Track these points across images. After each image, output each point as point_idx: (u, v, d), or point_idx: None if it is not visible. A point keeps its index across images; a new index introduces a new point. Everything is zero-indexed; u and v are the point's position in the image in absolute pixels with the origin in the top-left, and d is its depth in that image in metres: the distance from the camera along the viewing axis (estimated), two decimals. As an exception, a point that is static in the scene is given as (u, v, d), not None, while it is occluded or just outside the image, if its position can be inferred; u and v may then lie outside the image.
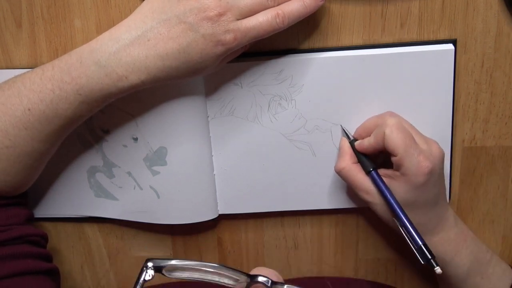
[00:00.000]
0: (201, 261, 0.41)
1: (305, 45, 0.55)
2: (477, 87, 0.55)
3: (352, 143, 0.54)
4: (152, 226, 0.61)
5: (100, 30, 0.55)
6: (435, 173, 0.50)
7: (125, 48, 0.46)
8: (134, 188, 0.59)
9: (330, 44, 0.55)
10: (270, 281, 0.37)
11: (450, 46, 0.53)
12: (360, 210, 0.60)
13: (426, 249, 0.49)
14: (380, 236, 0.61)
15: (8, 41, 0.57)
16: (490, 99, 0.55)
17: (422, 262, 0.49)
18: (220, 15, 0.45)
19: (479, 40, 0.53)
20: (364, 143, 0.53)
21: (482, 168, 0.58)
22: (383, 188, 0.51)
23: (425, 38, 0.54)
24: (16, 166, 0.50)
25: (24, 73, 0.49)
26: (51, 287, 0.52)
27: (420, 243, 0.49)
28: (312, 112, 0.55)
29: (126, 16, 0.48)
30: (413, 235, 0.50)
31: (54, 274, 0.54)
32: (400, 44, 0.54)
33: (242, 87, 0.55)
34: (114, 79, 0.47)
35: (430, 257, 0.49)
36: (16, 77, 0.49)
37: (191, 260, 0.39)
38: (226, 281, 0.38)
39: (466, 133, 0.57)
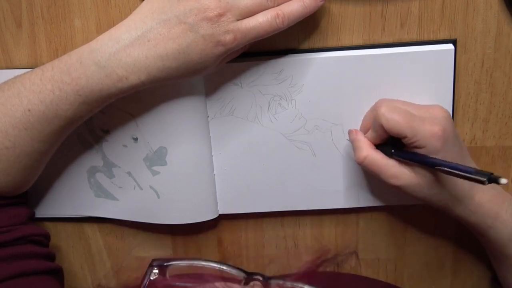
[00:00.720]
0: (206, 260, 0.41)
1: (305, 45, 0.55)
2: (477, 87, 0.55)
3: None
4: (152, 226, 0.61)
5: (100, 30, 0.55)
6: (449, 133, 0.49)
7: (125, 48, 0.46)
8: (134, 188, 0.59)
9: (330, 44, 0.55)
10: (266, 277, 0.37)
11: (450, 46, 0.53)
12: (360, 210, 0.60)
13: (482, 171, 0.44)
14: (380, 236, 0.61)
15: (8, 41, 0.57)
16: (490, 99, 0.55)
17: (486, 183, 0.44)
18: (220, 15, 0.45)
19: (479, 40, 0.53)
20: (369, 138, 0.52)
21: (482, 168, 0.58)
22: (413, 156, 0.49)
23: (425, 38, 0.54)
24: (16, 166, 0.50)
25: (24, 74, 0.49)
26: (55, 287, 0.52)
27: (472, 169, 0.45)
28: (312, 112, 0.55)
29: (126, 16, 0.48)
30: (463, 168, 0.46)
31: (58, 274, 0.54)
32: (400, 44, 0.54)
33: (242, 87, 0.55)
34: (114, 79, 0.47)
35: (490, 173, 0.44)
36: (15, 77, 0.49)
37: (193, 259, 0.39)
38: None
39: (466, 133, 0.57)
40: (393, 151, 0.51)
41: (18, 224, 0.52)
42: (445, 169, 0.47)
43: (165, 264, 0.41)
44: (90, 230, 0.63)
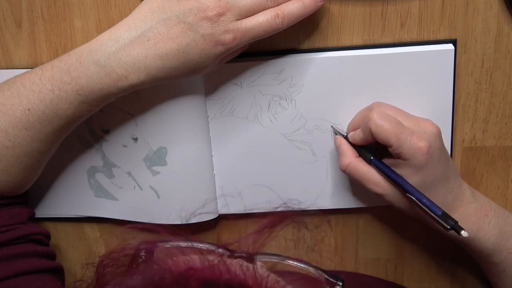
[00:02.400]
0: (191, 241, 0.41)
1: (305, 45, 0.55)
2: (477, 87, 0.55)
3: (346, 138, 0.54)
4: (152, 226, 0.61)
5: (100, 30, 0.55)
6: (435, 150, 0.49)
7: (125, 48, 0.46)
8: (134, 188, 0.59)
9: (330, 44, 0.55)
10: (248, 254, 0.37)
11: (450, 46, 0.53)
12: (360, 210, 0.60)
13: (448, 216, 0.47)
14: (380, 236, 0.61)
15: (8, 41, 0.57)
16: (490, 99, 0.55)
17: (448, 230, 0.47)
18: (220, 15, 0.45)
19: (479, 40, 0.53)
20: (356, 137, 0.52)
21: (482, 168, 0.58)
22: (388, 171, 0.50)
23: (425, 38, 0.54)
24: (17, 166, 0.50)
25: (24, 74, 0.49)
26: (56, 285, 0.52)
27: (440, 211, 0.47)
28: (312, 112, 0.55)
29: (126, 16, 0.48)
30: (431, 205, 0.47)
31: (59, 272, 0.54)
32: (400, 44, 0.54)
33: (242, 87, 0.55)
34: (114, 79, 0.47)
35: (453, 222, 0.47)
36: (15, 77, 0.49)
37: (182, 241, 0.40)
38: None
39: (466, 133, 0.57)
40: (371, 158, 0.51)
41: (19, 224, 0.52)
42: (414, 199, 0.48)
43: (152, 245, 0.41)
44: (90, 230, 0.63)
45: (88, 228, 0.63)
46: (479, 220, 0.52)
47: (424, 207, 0.48)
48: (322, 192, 0.58)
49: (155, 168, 0.57)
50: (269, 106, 0.56)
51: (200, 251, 0.39)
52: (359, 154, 0.53)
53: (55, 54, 0.57)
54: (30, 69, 0.49)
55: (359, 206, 0.59)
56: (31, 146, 0.49)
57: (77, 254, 0.65)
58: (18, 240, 0.51)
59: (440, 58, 0.53)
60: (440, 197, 0.50)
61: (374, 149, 0.52)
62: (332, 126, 0.55)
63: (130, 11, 0.50)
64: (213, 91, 0.55)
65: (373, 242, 0.61)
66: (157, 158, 0.57)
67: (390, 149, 0.49)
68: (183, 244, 0.39)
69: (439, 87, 0.54)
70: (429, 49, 0.53)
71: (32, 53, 0.57)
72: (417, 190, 0.49)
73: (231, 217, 0.61)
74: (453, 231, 0.47)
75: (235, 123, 0.56)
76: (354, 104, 0.55)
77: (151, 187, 0.58)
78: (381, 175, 0.51)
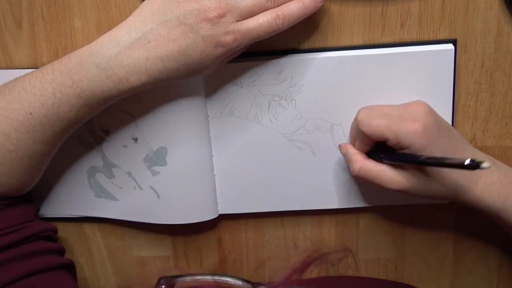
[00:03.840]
0: (211, 274, 0.41)
1: (305, 45, 0.55)
2: (477, 87, 0.55)
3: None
4: (152, 226, 0.61)
5: (100, 30, 0.55)
6: (432, 128, 0.48)
7: (126, 50, 0.46)
8: (134, 188, 0.59)
9: (330, 44, 0.55)
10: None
11: (450, 46, 0.53)
12: (360, 210, 0.60)
13: (475, 160, 0.42)
14: (380, 236, 0.61)
15: (8, 41, 0.57)
16: (490, 99, 0.55)
17: (474, 169, 0.42)
18: (220, 16, 0.45)
19: (479, 40, 0.53)
20: (357, 147, 0.53)
21: (483, 168, 0.58)
22: (403, 156, 0.48)
23: (425, 38, 0.54)
24: (19, 168, 0.50)
25: (24, 76, 0.49)
26: (69, 281, 0.53)
27: (469, 160, 0.42)
28: (312, 112, 0.55)
29: (126, 16, 0.48)
30: (448, 161, 0.44)
31: (71, 268, 0.54)
32: (400, 44, 0.54)
33: (242, 87, 0.55)
34: (115, 81, 0.47)
35: (471, 160, 0.42)
36: (15, 80, 0.49)
37: (201, 274, 0.39)
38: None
39: (466, 133, 0.57)
40: (382, 155, 0.50)
41: (27, 222, 0.52)
42: (430, 163, 0.46)
43: (172, 280, 0.41)
44: (90, 230, 0.63)
45: (88, 228, 0.63)
46: (505, 189, 0.50)
47: (449, 166, 0.44)
48: (322, 192, 0.58)
49: (155, 168, 0.57)
50: (269, 106, 0.56)
51: (220, 285, 0.39)
52: (368, 156, 0.52)
53: (55, 54, 0.57)
54: (30, 72, 0.49)
55: (359, 206, 0.59)
56: (33, 149, 0.49)
57: (77, 254, 0.65)
58: (29, 238, 0.51)
59: (440, 58, 0.53)
60: (455, 173, 0.49)
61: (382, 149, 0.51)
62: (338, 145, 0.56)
63: (130, 11, 0.50)
64: (213, 91, 0.55)
65: (373, 242, 0.62)
66: (157, 158, 0.57)
67: (388, 143, 0.49)
68: (201, 277, 0.39)
69: (439, 87, 0.54)
70: (429, 49, 0.53)
71: (32, 53, 0.57)
72: (429, 156, 0.47)
73: (231, 217, 0.61)
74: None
75: (235, 123, 0.56)
76: (354, 104, 0.55)
77: (151, 187, 0.58)
78: (397, 165, 0.49)
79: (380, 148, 0.51)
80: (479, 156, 0.52)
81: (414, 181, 0.49)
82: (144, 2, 0.48)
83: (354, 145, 0.54)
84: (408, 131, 0.47)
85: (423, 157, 0.47)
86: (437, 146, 0.48)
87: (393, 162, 0.50)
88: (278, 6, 0.47)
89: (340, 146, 0.55)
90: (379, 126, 0.48)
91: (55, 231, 0.56)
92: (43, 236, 0.53)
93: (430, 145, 0.48)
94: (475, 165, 0.42)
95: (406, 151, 0.48)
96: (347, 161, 0.53)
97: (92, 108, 0.48)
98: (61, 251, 0.55)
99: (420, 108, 0.49)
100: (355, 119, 0.52)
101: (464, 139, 0.52)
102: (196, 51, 0.46)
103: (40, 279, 0.50)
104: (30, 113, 0.48)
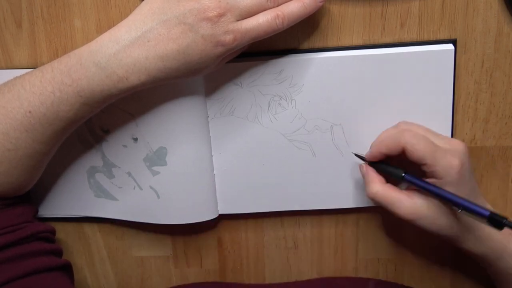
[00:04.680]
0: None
1: (305, 45, 0.55)
2: (477, 87, 0.55)
3: (371, 164, 0.53)
4: (152, 226, 0.61)
5: (100, 30, 0.55)
6: (466, 168, 0.49)
7: (125, 49, 0.46)
8: (134, 188, 0.59)
9: (330, 44, 0.55)
10: None
11: (450, 46, 0.53)
12: (360, 210, 0.60)
13: (496, 215, 0.46)
14: (380, 236, 0.61)
15: (8, 41, 0.57)
16: (490, 99, 0.55)
17: (501, 228, 0.46)
18: (220, 15, 0.45)
19: (479, 40, 0.53)
20: (376, 152, 0.52)
21: (482, 168, 0.58)
22: (425, 184, 0.49)
23: (425, 38, 0.54)
24: (18, 168, 0.50)
25: (23, 75, 0.49)
26: (66, 282, 0.53)
27: (488, 212, 0.46)
28: (312, 112, 0.55)
29: (126, 16, 0.48)
30: (478, 209, 0.47)
31: (67, 269, 0.54)
32: (400, 44, 0.54)
33: (242, 87, 0.55)
34: (115, 80, 0.47)
35: (503, 218, 0.45)
36: (15, 79, 0.49)
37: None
38: None
39: (466, 133, 0.57)
40: (404, 174, 0.51)
41: (25, 222, 0.52)
42: (463, 212, 0.48)
43: None
44: (90, 230, 0.63)
45: (88, 228, 0.63)
46: (505, 239, 0.52)
47: (470, 212, 0.47)
48: (322, 192, 0.58)
49: (155, 168, 0.57)
50: (269, 106, 0.56)
51: None
52: (387, 172, 0.52)
53: (55, 54, 0.57)
54: (30, 71, 0.49)
55: (359, 206, 0.59)
56: (32, 148, 0.49)
57: (77, 254, 0.65)
58: (26, 239, 0.51)
59: (440, 58, 0.53)
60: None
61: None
62: (354, 154, 0.55)
63: (130, 11, 0.50)
64: (213, 91, 0.55)
65: (373, 242, 0.62)
66: (157, 158, 0.57)
67: (424, 167, 0.49)
68: None
69: (439, 87, 0.54)
70: (429, 49, 0.53)
71: (32, 53, 0.57)
72: (459, 196, 0.48)
73: (231, 217, 0.61)
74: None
75: (235, 123, 0.56)
76: (354, 104, 0.55)
77: (151, 187, 0.58)
78: (417, 195, 0.50)
79: (400, 167, 0.51)
80: (488, 207, 0.52)
81: (429, 214, 0.50)
82: (144, 1, 0.48)
83: (376, 151, 0.53)
84: (447, 163, 0.48)
85: (454, 196, 0.48)
86: (464, 187, 0.49)
87: (415, 185, 0.50)
88: (278, 6, 0.47)
89: (360, 166, 0.54)
90: (425, 150, 0.48)
91: (53, 232, 0.55)
92: (40, 237, 0.53)
93: (459, 183, 0.49)
94: (508, 226, 0.44)
95: (434, 182, 0.49)
96: (365, 182, 0.53)
97: (91, 107, 0.48)
98: (58, 252, 0.55)
99: (461, 147, 0.50)
100: (397, 134, 0.51)
101: (479, 189, 0.53)
102: (195, 50, 0.46)
103: (36, 279, 0.49)
104: (29, 112, 0.48)
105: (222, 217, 0.61)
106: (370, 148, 0.54)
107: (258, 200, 0.59)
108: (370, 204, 0.58)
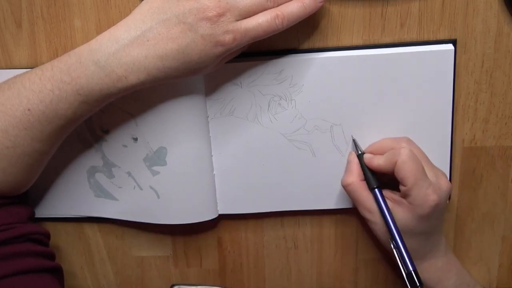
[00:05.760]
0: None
1: (305, 45, 0.55)
2: (477, 87, 0.55)
3: (360, 156, 0.54)
4: (152, 226, 0.61)
5: (100, 30, 0.55)
6: (440, 207, 0.51)
7: (125, 48, 0.46)
8: (134, 188, 0.59)
9: (330, 44, 0.55)
10: None
11: (450, 46, 0.53)
12: (360, 210, 0.60)
13: (416, 276, 0.51)
14: (380, 236, 0.61)
15: (8, 41, 0.57)
16: (490, 99, 0.55)
17: (409, 287, 0.51)
18: (220, 15, 0.45)
19: (479, 40, 0.53)
20: (374, 162, 0.53)
21: (482, 168, 0.58)
22: (384, 208, 0.52)
23: (425, 38, 0.54)
24: (17, 166, 0.50)
25: (23, 73, 0.49)
26: (55, 285, 0.52)
27: (411, 269, 0.51)
28: (312, 112, 0.55)
29: (126, 16, 0.48)
30: (406, 260, 0.51)
31: (57, 272, 0.54)
32: (400, 44, 0.54)
33: (242, 87, 0.55)
34: (114, 79, 0.47)
35: (418, 284, 0.51)
36: (15, 77, 0.49)
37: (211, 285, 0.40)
38: None
39: (466, 133, 0.57)
40: (375, 187, 0.53)
41: (18, 223, 0.52)
42: (395, 250, 0.52)
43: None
44: (90, 230, 0.63)
45: (88, 228, 0.63)
46: (443, 275, 0.55)
47: (399, 257, 0.51)
48: (322, 192, 0.58)
49: (155, 168, 0.57)
50: (269, 106, 0.56)
51: None
52: (365, 177, 0.54)
53: (55, 54, 0.57)
54: (30, 69, 0.49)
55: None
56: (31, 146, 0.49)
57: (77, 254, 0.65)
58: (17, 239, 0.51)
59: (440, 58, 0.53)
60: (419, 246, 0.53)
61: (380, 178, 0.54)
62: (353, 139, 0.56)
63: (130, 11, 0.50)
64: (213, 91, 0.55)
65: (373, 242, 0.61)
66: (157, 158, 0.57)
67: (402, 188, 0.51)
68: None
69: (439, 87, 0.54)
70: (429, 49, 0.53)
71: (32, 53, 0.57)
72: (401, 239, 0.51)
73: (231, 217, 0.61)
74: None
75: (235, 123, 0.56)
76: (354, 104, 0.55)
77: (151, 187, 0.58)
78: (376, 206, 0.53)
79: (376, 178, 0.54)
80: (441, 244, 0.56)
81: (380, 223, 0.53)
82: (143, 0, 0.48)
83: (370, 152, 0.55)
84: (424, 195, 0.50)
85: (398, 233, 0.51)
86: (428, 223, 0.52)
87: (377, 202, 0.53)
88: (277, 6, 0.47)
89: (350, 153, 0.56)
90: (409, 173, 0.50)
91: (46, 235, 0.55)
92: (32, 238, 0.52)
93: (427, 218, 0.51)
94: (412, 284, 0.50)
95: (406, 205, 0.51)
96: (346, 169, 0.56)
97: (90, 106, 0.48)
98: (49, 256, 0.54)
99: (445, 186, 0.52)
100: (396, 145, 0.52)
101: (441, 226, 0.56)
102: (195, 50, 0.46)
103: (21, 280, 0.49)
104: (29, 110, 0.48)
105: (222, 217, 0.61)
106: (369, 147, 0.55)
107: (258, 200, 0.59)
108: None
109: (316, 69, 0.54)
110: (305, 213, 0.61)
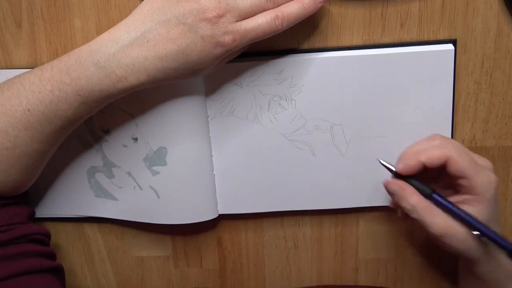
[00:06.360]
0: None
1: (305, 45, 0.55)
2: (477, 87, 0.55)
3: (397, 175, 0.51)
4: (152, 226, 0.61)
5: (100, 30, 0.55)
6: (498, 187, 0.50)
7: (124, 49, 0.46)
8: (134, 188, 0.59)
9: (330, 44, 0.55)
10: None
11: (450, 46, 0.53)
12: (360, 210, 0.60)
13: None
14: (380, 236, 0.61)
15: (8, 41, 0.57)
16: (490, 99, 0.55)
17: None
18: (219, 16, 0.45)
19: (479, 40, 0.53)
20: (412, 165, 0.50)
21: (482, 168, 0.58)
22: (453, 207, 0.49)
23: (425, 38, 0.54)
24: (17, 166, 0.50)
25: (23, 74, 0.49)
26: (56, 285, 0.52)
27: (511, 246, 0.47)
28: (312, 112, 0.55)
29: (126, 16, 0.48)
30: (502, 241, 0.47)
31: (59, 272, 0.54)
32: (400, 44, 0.54)
33: (242, 87, 0.55)
34: (114, 80, 0.47)
35: None
36: (15, 77, 0.49)
37: None
38: None
39: (466, 133, 0.57)
40: (432, 193, 0.50)
41: (19, 223, 0.52)
42: (484, 235, 0.48)
43: None
44: (90, 230, 0.63)
45: (88, 228, 0.63)
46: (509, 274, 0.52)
47: (496, 244, 0.48)
48: (322, 192, 0.58)
49: (155, 168, 0.57)
50: (269, 106, 0.56)
51: None
52: (417, 189, 0.50)
53: (55, 54, 0.57)
54: (30, 70, 0.49)
55: (359, 206, 0.59)
56: (31, 147, 0.49)
57: (77, 254, 0.65)
58: (18, 239, 0.51)
59: (440, 58, 0.53)
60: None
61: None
62: (381, 162, 0.53)
63: (130, 11, 0.50)
64: (213, 91, 0.55)
65: (373, 242, 0.62)
66: (157, 158, 0.57)
67: (462, 181, 0.49)
68: None
69: (439, 87, 0.54)
70: (429, 49, 0.53)
71: (32, 53, 0.57)
72: (488, 226, 0.48)
73: (231, 217, 0.61)
74: None
75: (235, 123, 0.56)
76: (354, 104, 0.55)
77: (151, 187, 0.58)
78: (444, 211, 0.49)
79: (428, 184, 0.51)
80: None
81: (458, 233, 0.49)
82: (143, 1, 0.48)
83: (405, 164, 0.51)
84: (487, 179, 0.49)
85: (480, 223, 0.48)
86: (495, 208, 0.50)
87: (442, 205, 0.49)
88: (277, 6, 0.47)
89: (391, 182, 0.52)
90: (469, 163, 0.48)
91: (47, 235, 0.55)
92: (33, 238, 0.52)
93: (493, 200, 0.49)
94: None
95: (470, 199, 0.49)
96: (400, 196, 0.51)
97: (90, 106, 0.48)
98: (51, 255, 0.54)
99: (490, 164, 0.51)
100: (442, 144, 0.50)
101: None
102: (195, 51, 0.46)
103: (24, 280, 0.49)
104: (28, 110, 0.48)
105: (222, 217, 0.61)
106: (400, 161, 0.51)
107: (258, 200, 0.59)
108: (370, 204, 0.58)
109: (316, 69, 0.54)
110: (305, 213, 0.61)
